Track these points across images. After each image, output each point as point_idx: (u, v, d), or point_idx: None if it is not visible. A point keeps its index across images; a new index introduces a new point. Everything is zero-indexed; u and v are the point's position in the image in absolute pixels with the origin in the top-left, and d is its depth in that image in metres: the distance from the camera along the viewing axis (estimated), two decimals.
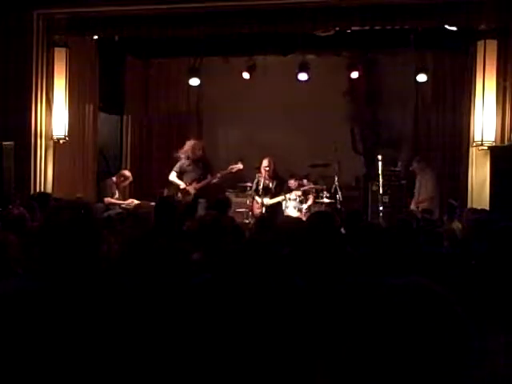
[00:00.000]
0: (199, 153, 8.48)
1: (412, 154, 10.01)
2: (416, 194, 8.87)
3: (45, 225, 2.08)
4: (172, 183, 8.54)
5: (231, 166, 8.64)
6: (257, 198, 8.64)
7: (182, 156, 8.48)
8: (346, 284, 2.92)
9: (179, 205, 4.93)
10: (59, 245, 2.03)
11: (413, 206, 8.70)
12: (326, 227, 3.65)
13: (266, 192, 8.69)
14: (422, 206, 8.40)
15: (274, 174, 8.75)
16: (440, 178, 9.10)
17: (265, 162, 8.69)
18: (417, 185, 8.94)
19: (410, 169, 9.12)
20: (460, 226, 5.93)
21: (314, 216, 4.03)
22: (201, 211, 8.09)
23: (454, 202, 6.98)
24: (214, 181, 8.50)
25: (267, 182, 8.70)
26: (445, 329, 1.17)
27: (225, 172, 8.62)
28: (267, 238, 4.26)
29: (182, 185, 8.39)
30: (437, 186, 8.83)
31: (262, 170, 8.69)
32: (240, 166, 8.62)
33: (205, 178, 8.45)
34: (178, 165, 8.47)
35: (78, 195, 7.45)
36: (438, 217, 7.75)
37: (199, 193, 8.42)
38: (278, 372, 2.24)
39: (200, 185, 8.40)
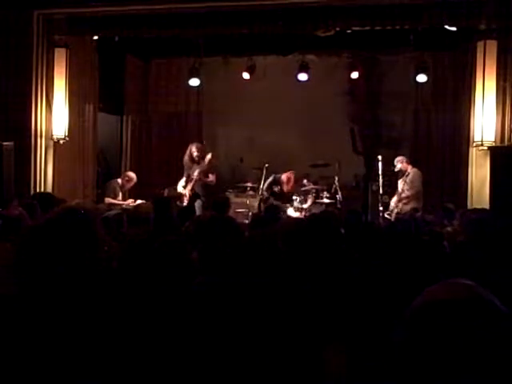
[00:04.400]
0: (196, 155, 8.65)
1: (412, 153, 10.00)
2: (399, 191, 8.76)
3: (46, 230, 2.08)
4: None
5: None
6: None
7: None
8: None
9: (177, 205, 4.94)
10: (58, 249, 2.02)
11: (393, 204, 8.64)
12: (326, 227, 3.65)
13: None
14: (404, 204, 8.40)
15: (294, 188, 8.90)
16: (438, 178, 9.05)
17: (284, 177, 8.87)
18: (400, 185, 8.81)
19: (395, 170, 8.91)
20: (458, 228, 5.91)
21: (315, 216, 4.03)
22: (198, 211, 8.14)
23: (450, 205, 6.94)
24: (196, 177, 8.56)
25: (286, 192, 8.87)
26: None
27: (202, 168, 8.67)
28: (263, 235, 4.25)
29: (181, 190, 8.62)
30: (422, 183, 8.71)
31: (285, 184, 8.84)
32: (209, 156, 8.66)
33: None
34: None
35: (77, 201, 7.10)
36: (438, 219, 7.69)
37: (194, 193, 8.56)
38: (280, 371, 2.24)
39: (190, 186, 8.54)
